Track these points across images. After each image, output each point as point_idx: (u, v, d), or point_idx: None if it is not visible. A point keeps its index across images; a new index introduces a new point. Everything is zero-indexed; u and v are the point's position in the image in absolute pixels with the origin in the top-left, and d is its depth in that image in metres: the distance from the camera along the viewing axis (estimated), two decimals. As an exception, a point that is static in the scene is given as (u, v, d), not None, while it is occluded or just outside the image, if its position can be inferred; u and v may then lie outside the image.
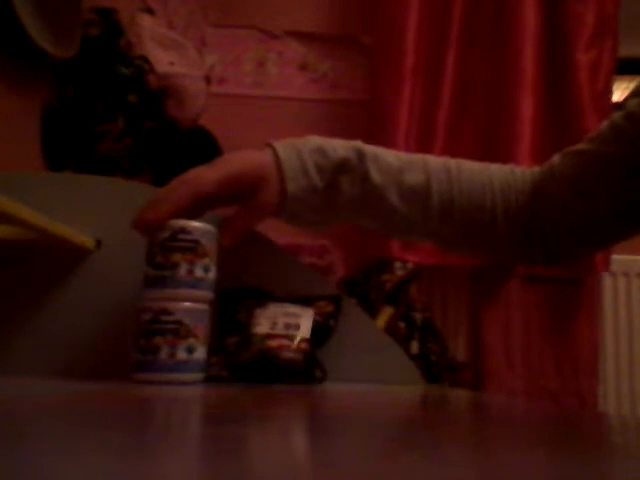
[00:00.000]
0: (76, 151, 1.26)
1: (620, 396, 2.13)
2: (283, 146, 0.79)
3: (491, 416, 0.59)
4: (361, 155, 0.82)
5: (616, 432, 0.46)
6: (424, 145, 1.94)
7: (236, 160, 0.77)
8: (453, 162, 0.87)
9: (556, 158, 0.88)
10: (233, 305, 0.88)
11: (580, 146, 0.85)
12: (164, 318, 0.69)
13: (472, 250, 0.95)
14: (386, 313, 1.59)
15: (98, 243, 0.87)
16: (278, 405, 0.58)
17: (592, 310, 2.03)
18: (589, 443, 0.38)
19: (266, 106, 2.10)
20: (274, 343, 0.79)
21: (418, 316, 1.69)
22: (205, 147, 1.82)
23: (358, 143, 0.83)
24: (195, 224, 0.72)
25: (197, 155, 1.80)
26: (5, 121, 1.09)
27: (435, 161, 0.87)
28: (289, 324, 0.82)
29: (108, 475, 0.23)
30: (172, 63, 1.55)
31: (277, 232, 1.76)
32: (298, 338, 0.80)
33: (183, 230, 0.71)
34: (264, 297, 0.89)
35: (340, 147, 0.82)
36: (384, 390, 0.78)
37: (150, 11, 1.63)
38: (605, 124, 0.82)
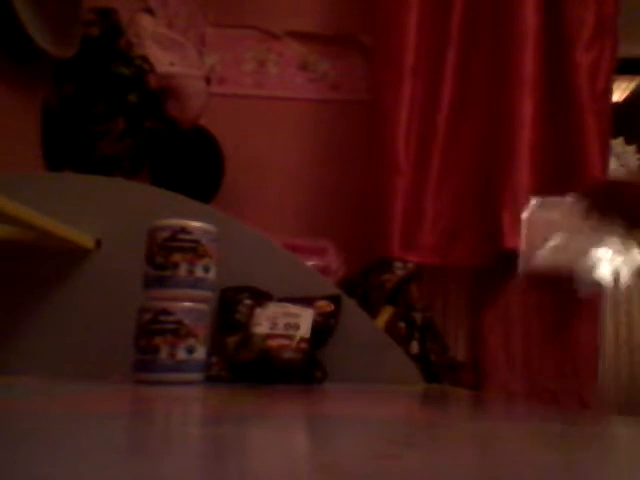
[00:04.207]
0: (76, 151, 1.26)
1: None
2: None
3: (490, 416, 0.59)
4: None
5: (613, 432, 0.46)
6: (424, 145, 1.94)
7: None
8: None
9: None
10: (233, 305, 0.88)
11: None
12: (164, 318, 0.69)
13: None
14: (386, 313, 1.58)
15: (98, 243, 0.87)
16: (278, 405, 0.58)
17: (592, 310, 2.02)
18: (587, 442, 0.38)
19: (266, 106, 2.09)
20: (274, 343, 0.79)
21: (418, 316, 1.69)
22: (205, 147, 1.82)
23: None
24: (195, 224, 0.72)
25: (197, 155, 1.81)
26: (5, 121, 1.09)
27: None
28: (289, 324, 0.82)
29: (109, 475, 0.23)
30: (172, 63, 1.55)
31: (277, 232, 1.76)
32: (298, 338, 0.80)
33: (183, 230, 0.71)
34: (264, 297, 0.89)
35: None
36: (384, 390, 0.78)
37: (150, 11, 1.62)
38: None
